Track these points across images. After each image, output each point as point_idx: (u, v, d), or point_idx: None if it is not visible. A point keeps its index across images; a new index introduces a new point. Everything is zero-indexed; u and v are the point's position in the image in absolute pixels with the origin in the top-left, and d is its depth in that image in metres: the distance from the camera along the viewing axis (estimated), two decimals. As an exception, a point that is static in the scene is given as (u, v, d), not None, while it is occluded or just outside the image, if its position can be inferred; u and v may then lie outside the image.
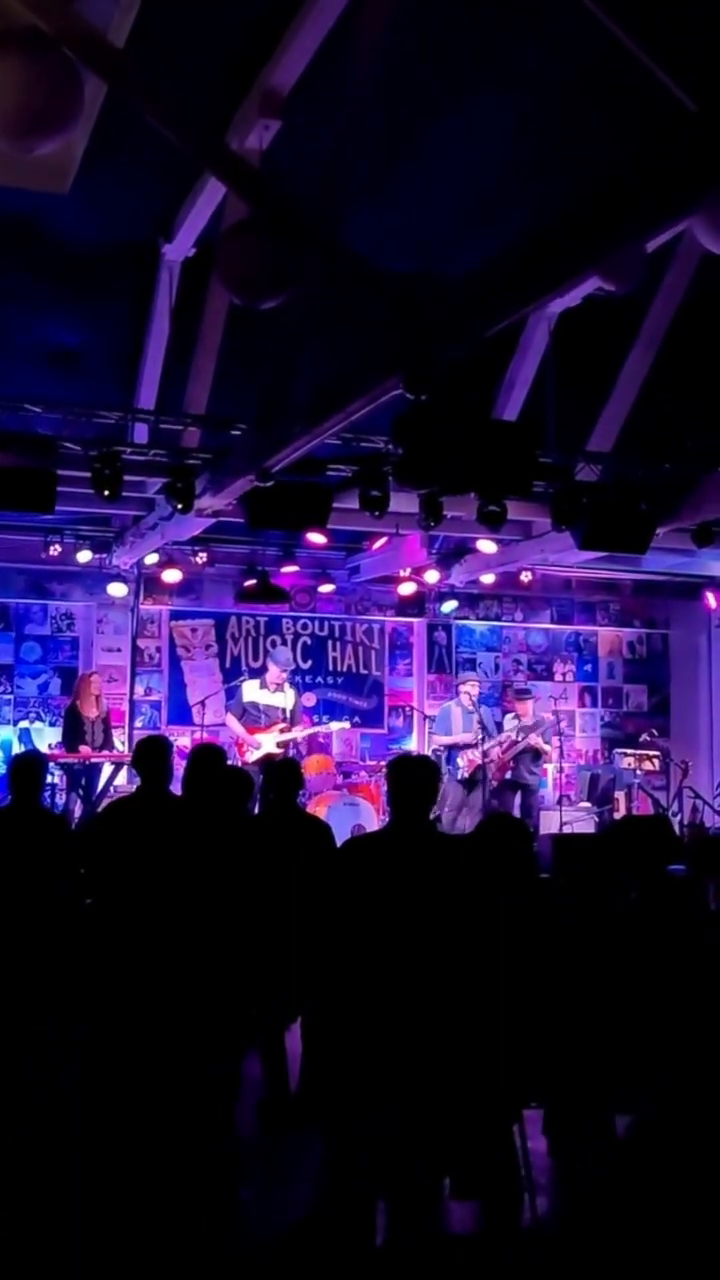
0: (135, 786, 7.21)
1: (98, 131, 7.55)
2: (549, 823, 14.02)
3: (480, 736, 13.45)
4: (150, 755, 6.40)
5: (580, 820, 14.07)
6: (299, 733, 13.32)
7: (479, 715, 13.66)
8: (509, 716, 14.32)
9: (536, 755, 13.92)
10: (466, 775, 13.37)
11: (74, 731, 12.95)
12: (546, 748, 14.15)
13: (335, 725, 14.31)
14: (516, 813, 13.26)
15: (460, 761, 13.42)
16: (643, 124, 6.45)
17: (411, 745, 15.45)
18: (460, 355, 6.68)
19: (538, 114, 8.62)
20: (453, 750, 13.51)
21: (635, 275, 8.40)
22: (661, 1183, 4.86)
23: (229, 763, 7.98)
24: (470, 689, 13.81)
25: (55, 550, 13.16)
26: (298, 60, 7.78)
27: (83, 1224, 5.02)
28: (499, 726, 14.11)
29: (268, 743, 12.79)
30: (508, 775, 13.64)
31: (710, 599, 14.75)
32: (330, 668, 15.59)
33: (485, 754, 13.42)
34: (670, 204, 5.53)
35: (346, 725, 14.64)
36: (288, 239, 6.73)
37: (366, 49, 6.82)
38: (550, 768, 15.75)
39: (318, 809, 12.49)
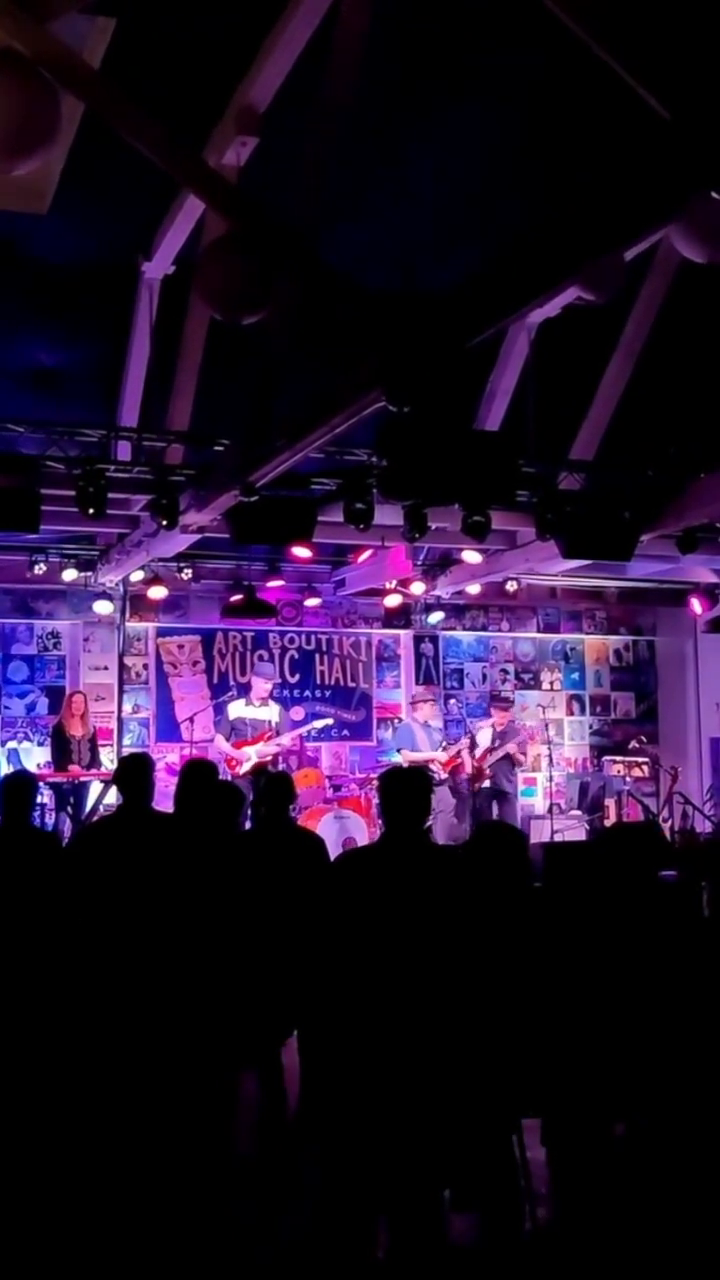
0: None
1: (75, 151, 7.57)
2: (540, 831, 14.04)
3: (443, 745, 13.85)
4: (131, 773, 6.38)
5: (571, 828, 14.10)
6: (285, 738, 13.35)
7: (436, 730, 14.15)
8: (480, 724, 14.40)
9: (513, 764, 14.02)
10: (443, 778, 13.53)
11: (61, 751, 12.97)
12: (521, 756, 14.25)
13: (319, 724, 14.34)
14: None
15: (432, 767, 13.55)
16: (618, 135, 6.49)
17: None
18: (441, 368, 6.69)
19: (514, 126, 8.67)
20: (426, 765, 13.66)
21: (614, 284, 8.44)
22: (660, 1190, 4.86)
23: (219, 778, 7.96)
24: (424, 712, 14.18)
25: (40, 569, 13.16)
26: (274, 77, 7.82)
27: (79, 1242, 5.01)
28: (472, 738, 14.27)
29: (255, 754, 12.83)
30: (486, 784, 13.69)
31: (695, 604, 14.78)
32: (318, 681, 15.58)
33: (459, 763, 13.65)
34: (647, 214, 5.57)
35: (329, 722, 14.69)
36: (267, 255, 6.74)
37: (342, 65, 6.86)
38: (540, 776, 15.78)
39: (308, 822, 12.47)
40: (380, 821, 5.11)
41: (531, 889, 5.58)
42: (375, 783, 11.22)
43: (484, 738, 14.00)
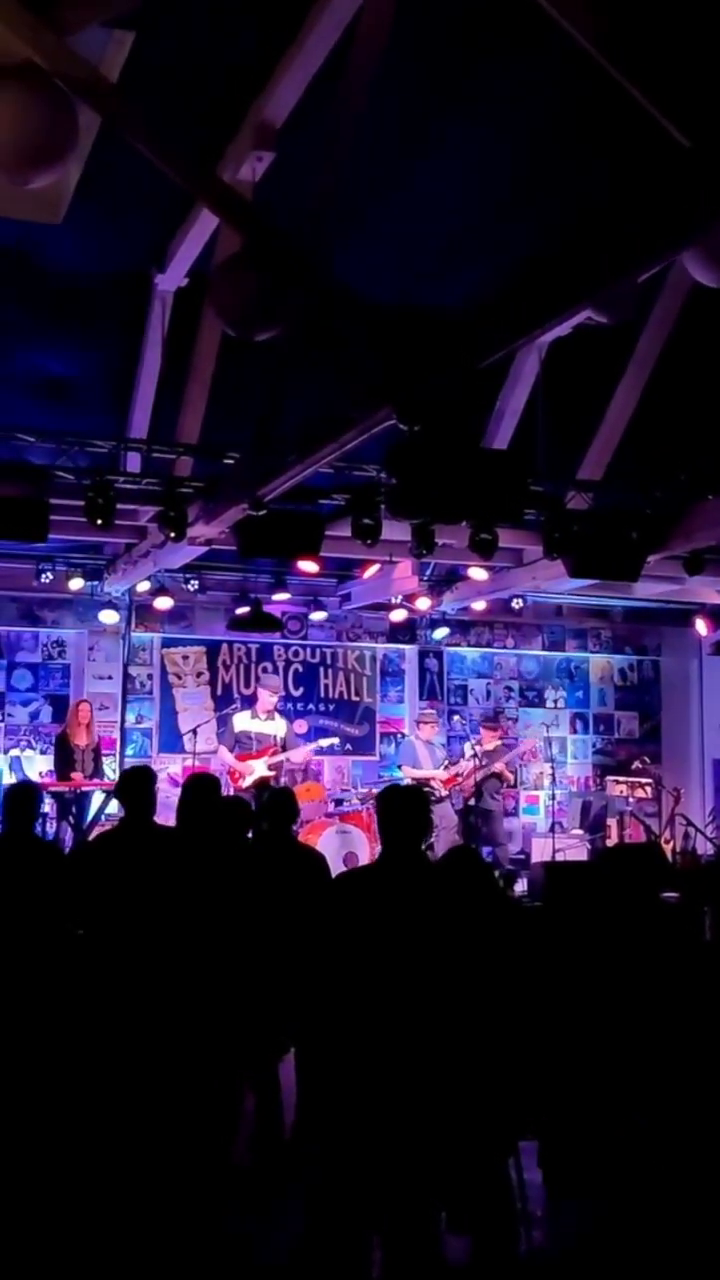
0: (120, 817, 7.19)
1: (91, 162, 7.57)
2: (541, 850, 14.02)
3: (444, 764, 13.87)
4: (133, 786, 6.39)
5: (573, 848, 14.07)
6: (299, 752, 13.35)
7: (439, 748, 14.18)
8: (468, 744, 14.39)
9: (500, 781, 14.04)
10: (444, 794, 13.56)
11: (64, 760, 12.98)
12: (509, 774, 14.27)
13: (325, 742, 14.36)
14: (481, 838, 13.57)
15: (433, 784, 13.55)
16: (634, 158, 6.51)
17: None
18: (452, 387, 6.70)
19: (528, 147, 8.68)
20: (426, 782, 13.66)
21: (626, 306, 8.45)
22: (656, 1211, 4.85)
23: (224, 792, 7.96)
24: (426, 730, 14.17)
25: (47, 578, 13.15)
26: (291, 93, 7.83)
27: (74, 1255, 4.99)
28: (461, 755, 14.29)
29: (259, 768, 12.82)
30: (471, 802, 13.70)
31: (701, 626, 14.78)
32: (322, 695, 15.59)
33: (458, 779, 13.69)
34: (664, 241, 5.56)
35: (335, 741, 14.69)
36: (279, 271, 6.76)
37: (358, 82, 6.87)
38: (542, 794, 15.77)
39: (309, 837, 12.46)
40: (380, 840, 5.08)
41: (517, 908, 5.57)
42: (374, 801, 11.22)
43: (469, 750, 14.05)
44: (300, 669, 15.51)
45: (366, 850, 12.66)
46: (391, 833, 4.77)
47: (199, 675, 15.13)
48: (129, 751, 14.61)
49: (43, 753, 14.15)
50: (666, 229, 5.31)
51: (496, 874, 11.80)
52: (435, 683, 15.96)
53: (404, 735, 15.22)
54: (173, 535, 10.16)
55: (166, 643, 15.01)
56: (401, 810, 4.79)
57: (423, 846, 5.16)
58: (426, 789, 13.18)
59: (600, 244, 5.51)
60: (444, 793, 13.63)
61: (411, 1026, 4.41)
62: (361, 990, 4.48)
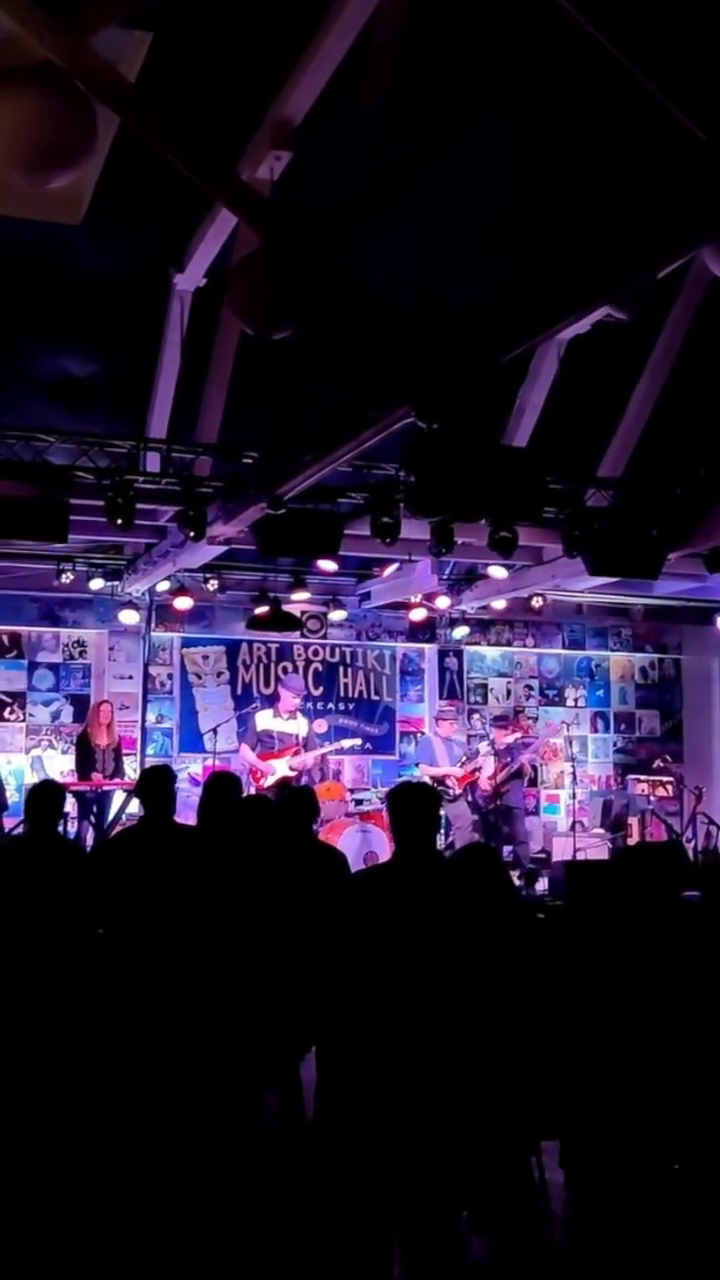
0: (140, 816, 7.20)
1: (110, 163, 7.59)
2: (562, 849, 14.00)
3: (462, 760, 13.85)
4: (153, 784, 6.40)
5: (594, 847, 14.04)
6: (312, 755, 13.36)
7: (457, 746, 14.14)
8: (483, 742, 14.36)
9: (522, 777, 14.01)
10: (458, 793, 13.56)
11: (85, 759, 13.02)
12: (529, 768, 14.26)
13: (346, 743, 14.36)
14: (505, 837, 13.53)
15: (449, 783, 13.53)
16: (651, 155, 6.49)
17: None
18: (471, 385, 6.69)
19: (544, 145, 8.68)
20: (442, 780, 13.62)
21: (643, 303, 8.43)
22: (675, 1209, 4.83)
23: (246, 791, 7.96)
24: (445, 728, 14.15)
25: (68, 578, 13.20)
26: (308, 92, 7.84)
27: (88, 1257, 5.01)
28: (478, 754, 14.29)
29: (280, 767, 12.84)
30: (496, 803, 13.67)
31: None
32: (341, 694, 15.58)
33: (475, 779, 13.67)
34: (681, 236, 5.55)
35: (358, 743, 14.69)
36: (296, 271, 6.76)
37: (375, 80, 6.88)
38: (563, 793, 15.73)
39: (329, 836, 12.48)
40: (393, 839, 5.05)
41: (519, 901, 5.55)
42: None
43: (488, 766, 13.96)
44: (320, 668, 15.51)
45: (387, 849, 12.64)
46: (403, 830, 4.75)
47: (219, 675, 15.15)
48: (150, 751, 14.63)
49: (64, 752, 14.20)
50: (684, 224, 5.29)
51: (517, 873, 11.81)
52: (455, 682, 15.95)
53: (423, 734, 15.22)
54: (192, 535, 10.17)
55: (186, 642, 15.04)
56: (412, 807, 4.77)
57: (441, 845, 5.16)
58: (442, 787, 13.17)
59: (617, 240, 5.50)
60: (458, 791, 13.59)
61: (427, 1023, 4.40)
62: (377, 988, 4.47)
